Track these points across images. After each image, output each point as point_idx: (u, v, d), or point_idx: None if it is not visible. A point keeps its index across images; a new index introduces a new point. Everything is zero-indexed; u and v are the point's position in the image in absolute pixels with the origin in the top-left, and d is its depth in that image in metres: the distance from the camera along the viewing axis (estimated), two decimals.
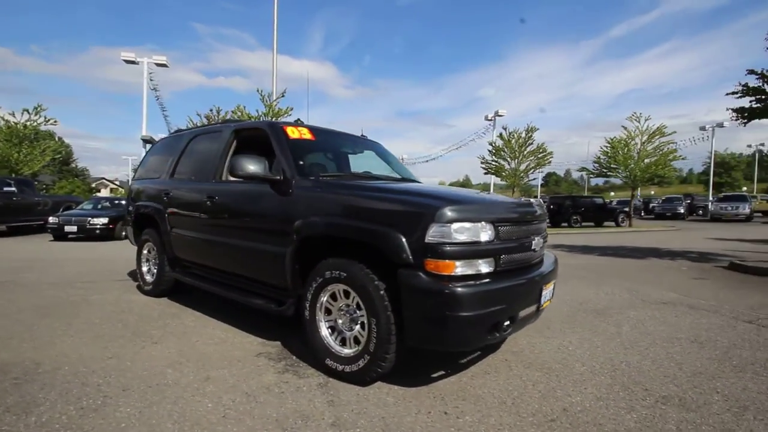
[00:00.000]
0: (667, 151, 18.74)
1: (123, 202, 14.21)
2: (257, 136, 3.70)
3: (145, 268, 4.66)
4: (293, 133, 3.32)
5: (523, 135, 18.89)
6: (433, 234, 2.14)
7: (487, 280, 2.23)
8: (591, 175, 20.17)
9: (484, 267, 2.25)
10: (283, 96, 14.57)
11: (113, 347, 2.98)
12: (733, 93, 8.01)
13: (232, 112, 15.10)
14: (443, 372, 2.68)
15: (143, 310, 3.98)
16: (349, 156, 3.98)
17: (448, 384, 2.51)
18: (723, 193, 28.21)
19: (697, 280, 6.11)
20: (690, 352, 3.10)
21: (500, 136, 19.50)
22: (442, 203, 2.20)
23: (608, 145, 19.63)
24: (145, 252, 4.67)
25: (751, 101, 7.81)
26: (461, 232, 2.17)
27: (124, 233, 13.01)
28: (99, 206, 13.87)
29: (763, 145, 36.56)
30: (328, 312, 2.64)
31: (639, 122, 18.80)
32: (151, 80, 19.65)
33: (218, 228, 3.51)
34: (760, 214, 26.10)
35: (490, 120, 25.52)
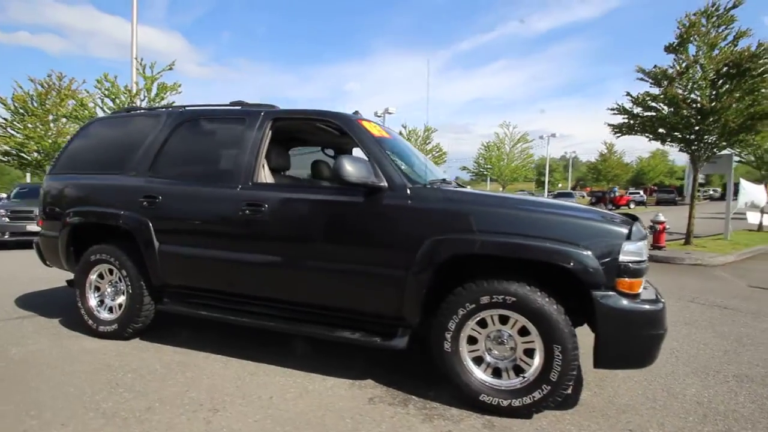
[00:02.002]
0: (528, 155, 22.40)
1: None
2: (306, 129, 3.00)
3: (93, 302, 3.33)
4: (373, 129, 2.79)
5: (422, 134, 20.07)
6: (626, 252, 2.08)
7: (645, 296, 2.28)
8: (472, 174, 22.72)
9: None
10: (171, 68, 12.23)
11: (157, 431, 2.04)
12: (612, 109, 10.01)
13: (97, 81, 11.96)
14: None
15: (129, 363, 2.83)
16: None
17: (589, 399, 2.49)
18: (556, 191, 35.37)
19: None
20: (698, 334, 3.74)
21: (400, 133, 20.26)
22: (629, 221, 2.16)
23: (483, 147, 22.38)
24: (93, 278, 3.33)
25: (624, 118, 9.86)
26: (645, 249, 2.17)
27: None
28: None
29: (574, 152, 47.44)
30: (471, 341, 2.32)
31: (508, 129, 21.95)
32: None
33: (273, 245, 2.72)
34: None
35: (380, 116, 26.24)
